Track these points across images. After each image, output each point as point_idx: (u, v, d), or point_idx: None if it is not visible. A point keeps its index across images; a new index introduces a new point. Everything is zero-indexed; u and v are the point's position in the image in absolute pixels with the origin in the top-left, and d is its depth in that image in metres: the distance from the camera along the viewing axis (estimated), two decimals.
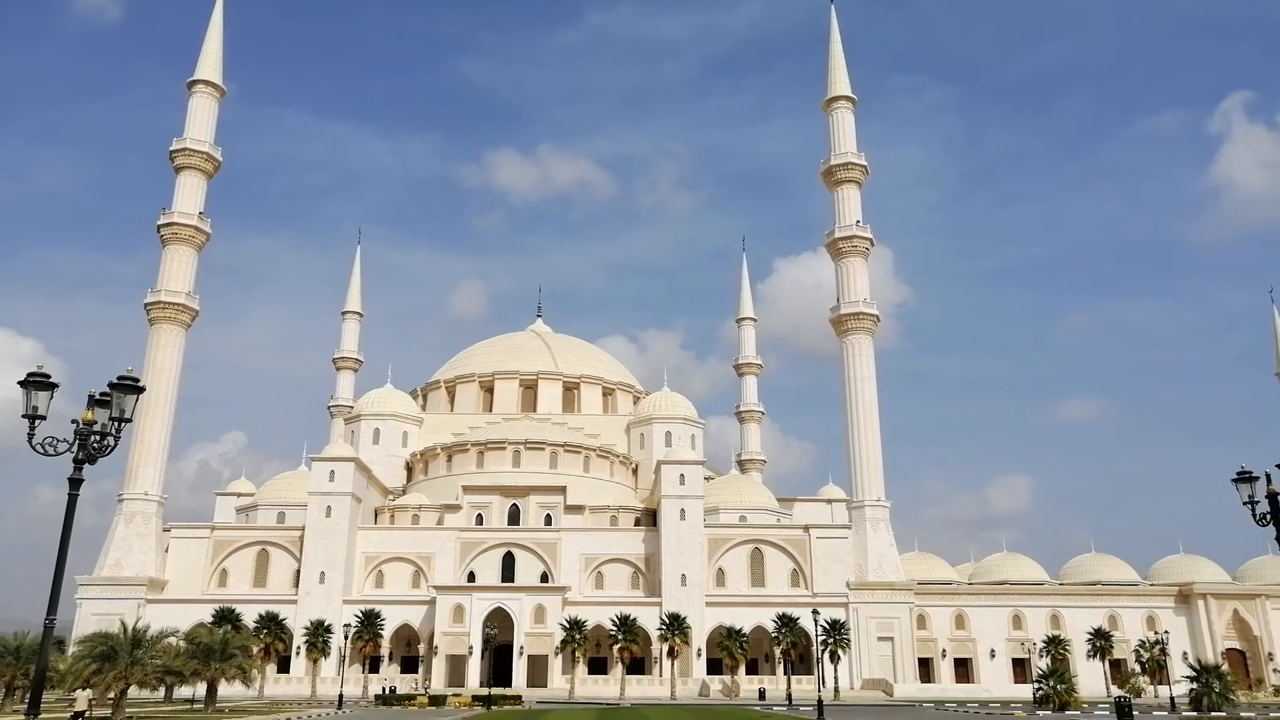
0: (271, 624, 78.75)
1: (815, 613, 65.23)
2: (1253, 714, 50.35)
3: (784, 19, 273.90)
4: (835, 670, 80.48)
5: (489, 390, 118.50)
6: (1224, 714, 49.96)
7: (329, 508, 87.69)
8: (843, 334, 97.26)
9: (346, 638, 75.83)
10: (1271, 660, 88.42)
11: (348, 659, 77.90)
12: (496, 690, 69.94)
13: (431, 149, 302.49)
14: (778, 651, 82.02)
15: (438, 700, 66.16)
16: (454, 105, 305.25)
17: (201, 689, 57.63)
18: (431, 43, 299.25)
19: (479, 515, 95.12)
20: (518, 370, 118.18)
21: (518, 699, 66.97)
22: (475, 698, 67.01)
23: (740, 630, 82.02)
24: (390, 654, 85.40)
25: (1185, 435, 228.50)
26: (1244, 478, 19.22)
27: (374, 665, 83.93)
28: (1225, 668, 66.94)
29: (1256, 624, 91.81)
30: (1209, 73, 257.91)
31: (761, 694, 77.63)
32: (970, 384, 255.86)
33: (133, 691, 44.25)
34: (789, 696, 68.68)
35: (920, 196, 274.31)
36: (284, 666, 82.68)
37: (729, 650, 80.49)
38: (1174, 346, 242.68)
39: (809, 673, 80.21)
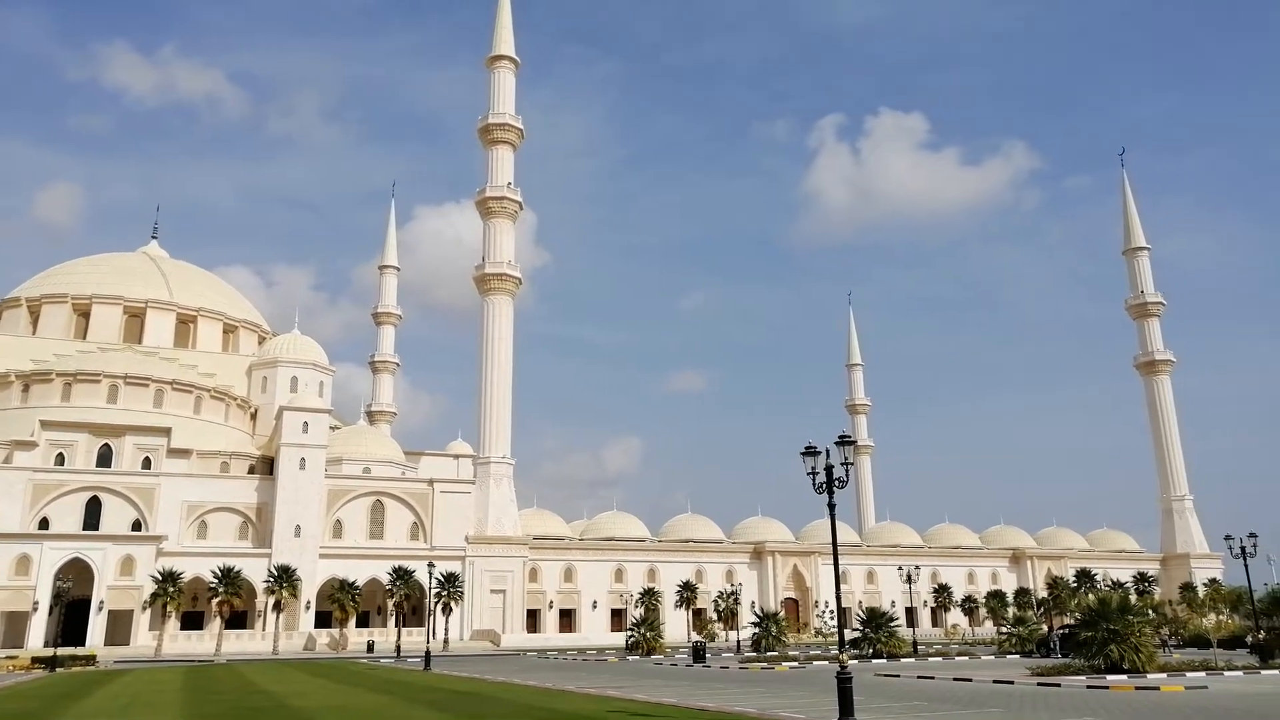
0: None
1: (431, 565, 65.76)
2: (797, 652, 60.39)
3: None
4: (447, 622, 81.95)
5: (85, 315, 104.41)
6: (776, 653, 59.75)
7: None
8: (485, 292, 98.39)
9: None
10: (817, 607, 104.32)
11: None
12: (65, 650, 62.38)
13: (34, 24, 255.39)
14: (390, 604, 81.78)
15: None
16: None
17: None
18: None
19: (60, 455, 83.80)
20: (123, 296, 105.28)
21: (92, 659, 60.39)
22: (36, 659, 59.30)
23: (354, 583, 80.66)
24: None
25: (770, 411, 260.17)
26: (809, 451, 22.44)
27: None
28: (782, 614, 78.64)
29: (810, 577, 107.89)
30: (816, 92, 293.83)
31: (370, 646, 77.01)
32: (596, 350, 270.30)
33: None
34: (398, 649, 68.95)
35: (580, 166, 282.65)
36: None
37: (340, 603, 78.95)
38: (772, 331, 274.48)
39: (421, 625, 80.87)
